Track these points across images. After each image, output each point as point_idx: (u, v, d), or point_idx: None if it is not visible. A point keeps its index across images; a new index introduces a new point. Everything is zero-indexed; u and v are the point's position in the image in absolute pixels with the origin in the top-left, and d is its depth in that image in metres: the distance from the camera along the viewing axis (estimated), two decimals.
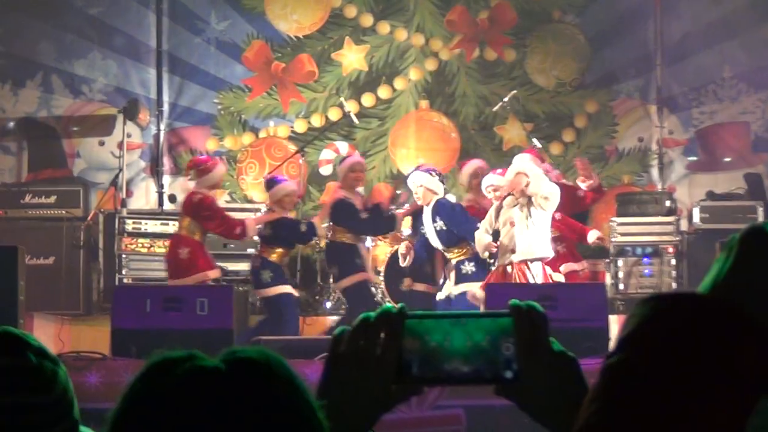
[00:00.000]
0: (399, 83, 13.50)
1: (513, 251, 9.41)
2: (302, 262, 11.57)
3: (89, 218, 11.99)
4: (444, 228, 10.22)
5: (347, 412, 1.59)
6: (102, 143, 13.37)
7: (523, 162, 9.86)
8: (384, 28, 13.54)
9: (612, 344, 1.51)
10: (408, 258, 10.62)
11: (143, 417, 1.44)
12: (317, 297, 11.50)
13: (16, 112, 13.34)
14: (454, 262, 10.35)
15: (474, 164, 10.90)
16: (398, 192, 11.97)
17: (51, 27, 13.32)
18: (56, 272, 11.55)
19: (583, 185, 10.55)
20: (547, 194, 9.28)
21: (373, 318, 1.60)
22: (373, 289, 10.87)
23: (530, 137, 12.33)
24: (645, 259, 11.66)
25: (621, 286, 11.60)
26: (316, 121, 13.46)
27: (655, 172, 13.39)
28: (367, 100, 13.44)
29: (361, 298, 10.26)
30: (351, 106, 13.02)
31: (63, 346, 9.59)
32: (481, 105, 13.43)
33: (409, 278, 10.75)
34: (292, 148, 13.01)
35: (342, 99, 13.10)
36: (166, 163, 13.42)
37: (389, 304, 1.65)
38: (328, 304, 11.37)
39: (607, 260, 11.82)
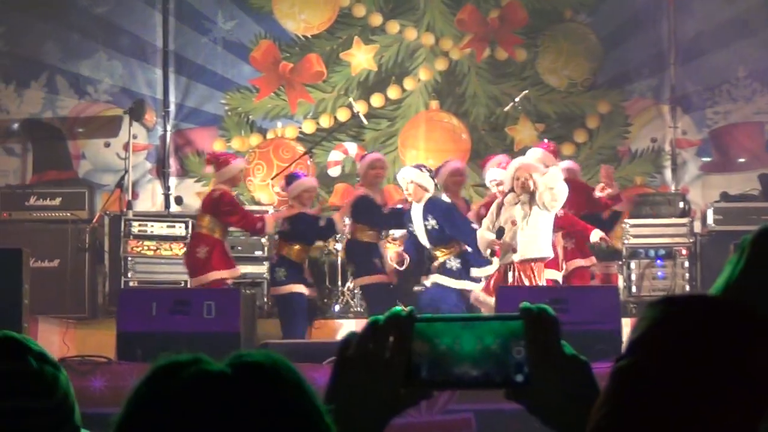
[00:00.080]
0: (409, 83, 13.40)
1: (515, 251, 9.33)
2: (311, 264, 11.47)
3: (95, 220, 11.99)
4: (436, 227, 10.12)
5: (356, 416, 1.59)
6: (107, 144, 13.30)
7: (526, 158, 9.75)
8: (393, 27, 13.44)
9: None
10: (405, 262, 10.49)
11: (148, 421, 1.43)
12: (326, 300, 11.43)
13: (20, 113, 13.27)
14: (441, 260, 10.22)
15: (452, 165, 10.86)
16: None
17: (56, 27, 13.25)
18: (61, 275, 11.53)
19: (600, 193, 10.40)
20: (554, 193, 9.15)
21: (382, 321, 1.60)
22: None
23: (541, 138, 12.25)
24: (658, 262, 11.64)
25: (634, 289, 11.59)
26: (325, 122, 13.37)
27: (668, 173, 13.30)
28: (377, 100, 13.34)
29: (379, 299, 10.22)
30: (360, 107, 12.94)
31: (68, 349, 9.65)
32: (492, 105, 13.33)
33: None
34: (300, 149, 12.95)
35: (351, 99, 13.03)
36: (173, 164, 13.33)
37: (399, 306, 1.62)
38: (337, 308, 11.28)
39: (620, 262, 11.82)
